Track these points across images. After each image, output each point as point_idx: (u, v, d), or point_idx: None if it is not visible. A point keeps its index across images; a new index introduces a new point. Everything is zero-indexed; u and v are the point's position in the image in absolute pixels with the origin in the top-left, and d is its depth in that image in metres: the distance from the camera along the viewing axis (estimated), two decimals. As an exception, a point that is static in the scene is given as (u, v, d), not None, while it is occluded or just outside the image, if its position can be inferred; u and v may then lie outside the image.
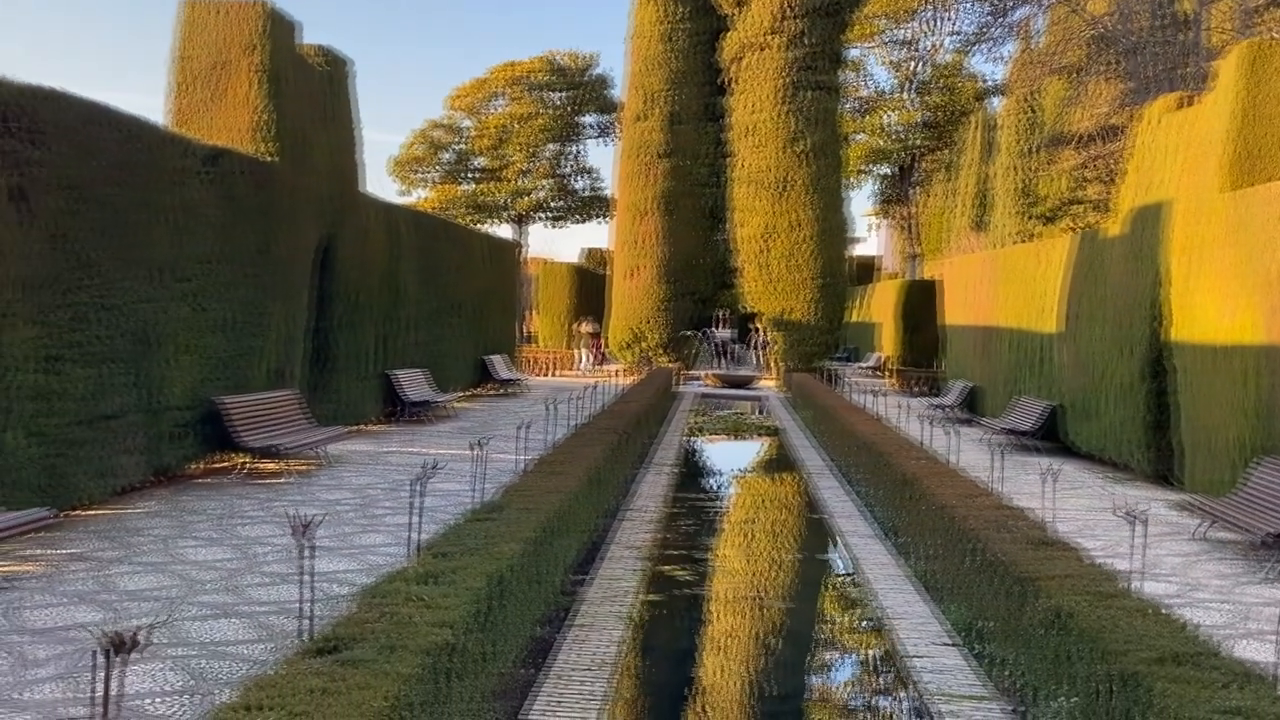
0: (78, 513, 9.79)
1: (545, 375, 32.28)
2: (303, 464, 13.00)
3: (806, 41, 30.25)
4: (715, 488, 15.42)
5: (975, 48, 45.30)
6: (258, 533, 9.46)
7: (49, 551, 8.38)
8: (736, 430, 20.97)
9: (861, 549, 10.09)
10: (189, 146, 11.35)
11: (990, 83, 43.94)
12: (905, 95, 43.87)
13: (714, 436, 20.71)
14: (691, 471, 15.93)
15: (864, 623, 8.11)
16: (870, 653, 7.55)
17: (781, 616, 8.56)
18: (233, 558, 8.54)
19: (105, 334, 9.90)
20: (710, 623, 8.25)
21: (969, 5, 47.03)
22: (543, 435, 16.52)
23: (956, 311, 25.88)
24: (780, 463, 16.94)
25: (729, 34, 31.57)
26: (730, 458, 18.27)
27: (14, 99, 8.60)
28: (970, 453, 14.91)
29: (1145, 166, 15.65)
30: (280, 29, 13.54)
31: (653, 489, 13.03)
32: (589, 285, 41.51)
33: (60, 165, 9.15)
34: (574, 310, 39.92)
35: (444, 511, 10.64)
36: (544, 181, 48.32)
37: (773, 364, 38.22)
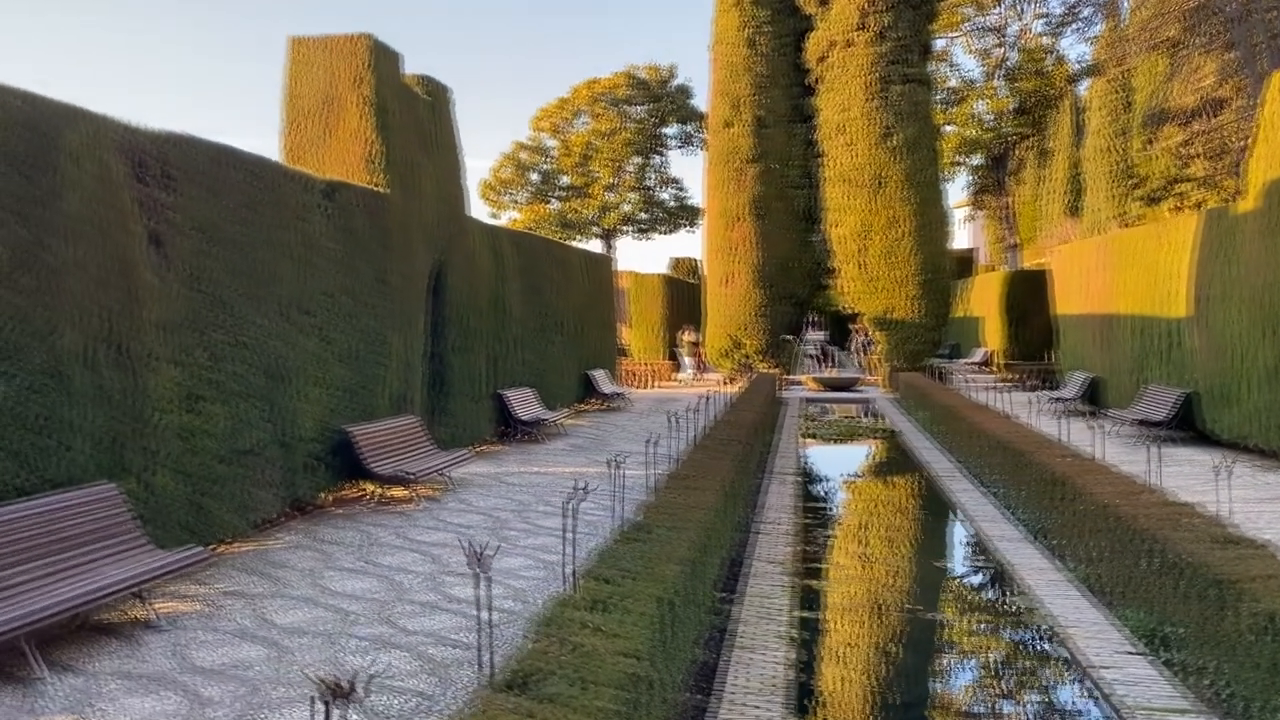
0: (222, 548, 9.94)
1: (644, 387, 32.19)
2: (429, 489, 13.07)
3: (893, 35, 29.69)
4: (843, 495, 15.07)
5: (1064, 29, 44.03)
6: (399, 561, 9.47)
7: (202, 589, 8.50)
8: (851, 435, 20.54)
9: (1012, 554, 9.67)
10: (309, 182, 11.52)
11: (1081, 64, 42.59)
12: (995, 83, 42.75)
13: (829, 442, 20.31)
14: (814, 479, 15.61)
15: (1036, 633, 7.72)
16: (1052, 665, 7.17)
17: (947, 629, 8.21)
18: (379, 588, 8.55)
19: (240, 371, 10.06)
20: (873, 640, 7.95)
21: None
22: (664, 449, 16.36)
23: (1070, 300, 25.01)
24: (904, 466, 16.49)
25: (813, 34, 31.19)
26: (850, 463, 17.89)
27: (147, 146, 8.79)
28: (1107, 447, 14.26)
29: (1278, 136, 14.84)
30: (385, 61, 13.70)
31: (780, 499, 12.75)
32: (680, 295, 41.36)
33: (191, 208, 9.33)
34: (667, 321, 39.79)
35: (577, 531, 10.55)
36: (630, 195, 48.41)
37: (876, 365, 37.55)
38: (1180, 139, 42.06)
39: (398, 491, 12.84)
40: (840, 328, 47.28)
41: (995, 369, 36.48)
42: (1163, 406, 17.41)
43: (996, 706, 6.63)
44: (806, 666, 6.96)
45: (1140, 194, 43.82)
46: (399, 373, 13.67)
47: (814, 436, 20.55)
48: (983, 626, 8.45)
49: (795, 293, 31.42)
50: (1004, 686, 7.01)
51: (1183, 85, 43.21)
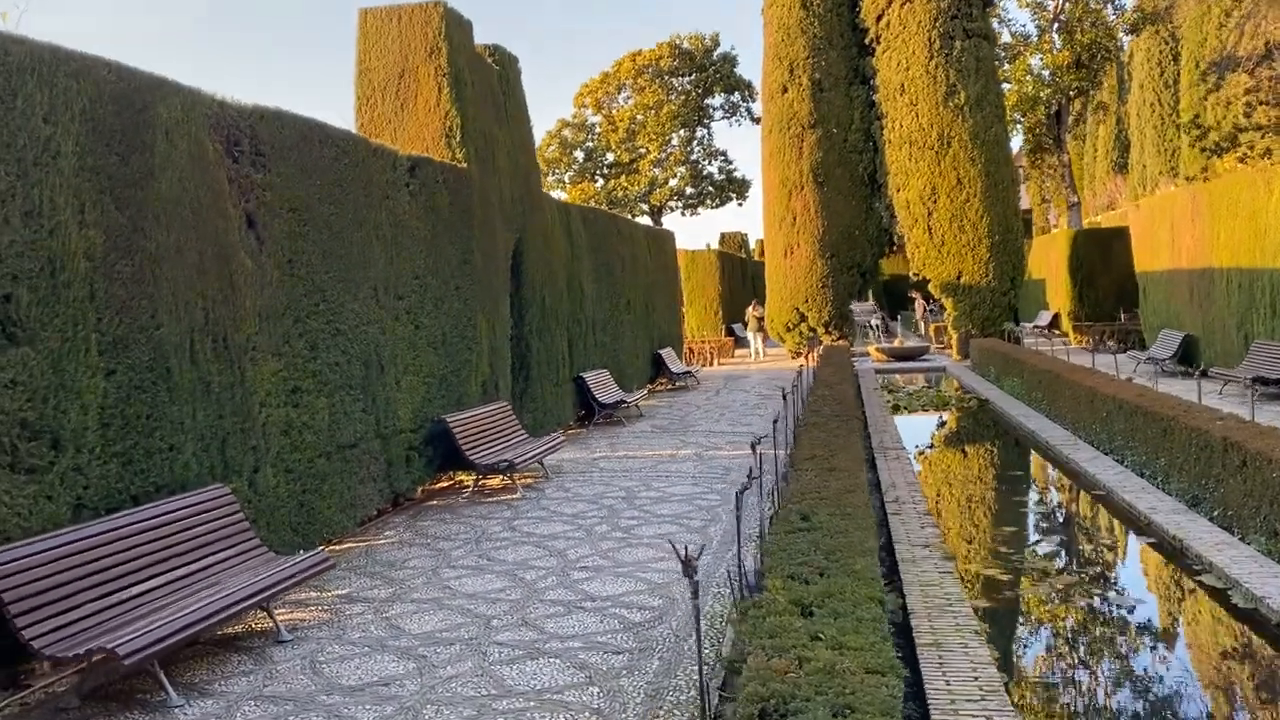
0: (330, 547, 9.39)
1: (707, 365, 31.46)
2: (526, 477, 12.46)
3: (954, -11, 28.53)
4: (959, 469, 14.30)
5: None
6: (519, 556, 8.85)
7: (318, 594, 7.94)
8: (940, 405, 19.72)
9: (1180, 528, 8.87)
10: (394, 159, 10.88)
11: (1140, 15, 41.05)
12: (1050, 37, 41.32)
13: (919, 412, 19.49)
14: (924, 453, 14.85)
15: (1244, 614, 6.95)
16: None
17: (1157, 619, 7.47)
18: (508, 586, 7.93)
19: (338, 360, 9.47)
20: (1077, 633, 7.21)
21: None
22: (756, 426, 15.62)
23: (1155, 256, 23.92)
24: (1010, 437, 15.68)
25: (869, -9, 30.09)
26: (951, 435, 17.09)
27: (238, 121, 8.17)
28: (1229, 407, 13.34)
29: None
30: (458, 30, 13.01)
31: (897, 476, 11.99)
32: (734, 271, 40.54)
33: (284, 187, 8.71)
34: (723, 298, 38.99)
35: (694, 518, 9.87)
36: (678, 169, 47.47)
37: (945, 332, 36.51)
38: (1247, 85, 40.50)
39: (493, 481, 12.25)
40: (890, 297, 46.13)
41: (1068, 331, 35.33)
42: (1274, 363, 16.41)
43: (1242, 709, 5.88)
44: (1011, 667, 6.25)
45: (1205, 145, 42.22)
46: (487, 357, 13.05)
47: (903, 408, 19.74)
48: (1185, 612, 7.67)
49: (859, 262, 30.50)
50: (1245, 685, 6.26)
51: (1250, 30, 41.55)
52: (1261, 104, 41.47)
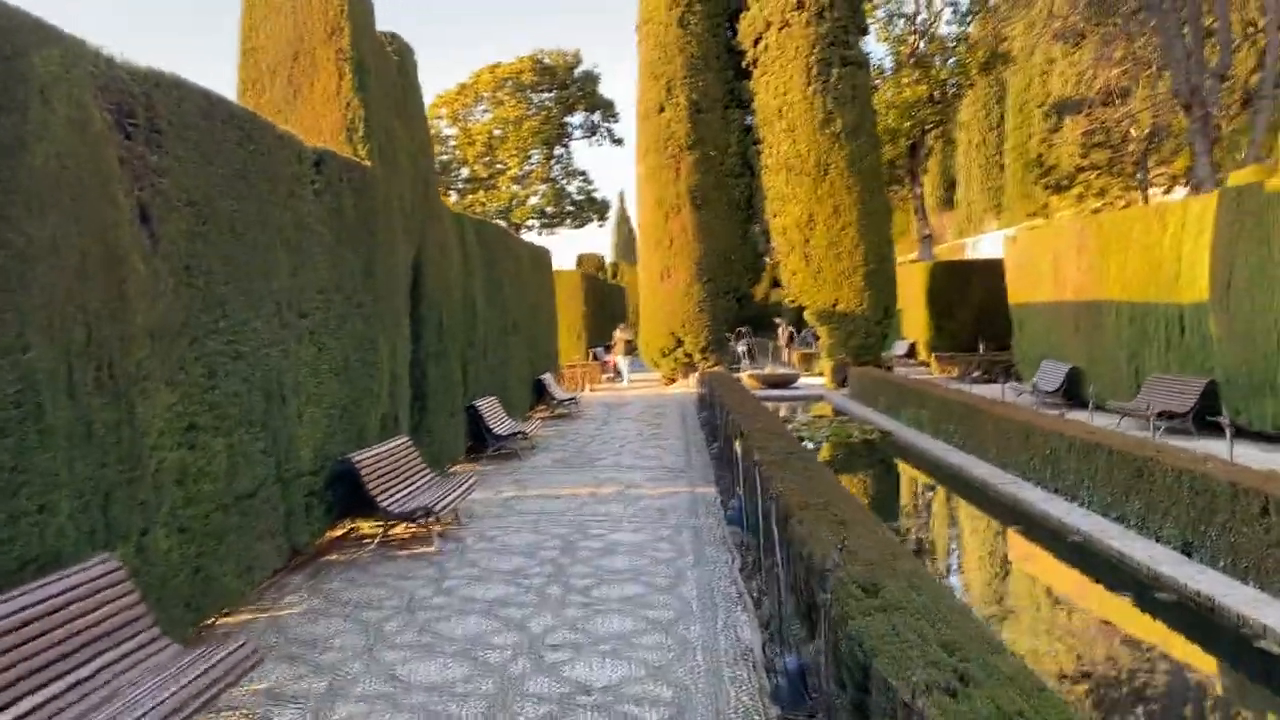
0: (223, 620, 7.60)
1: (578, 390, 30.15)
2: (437, 524, 10.85)
3: (831, 15, 28.40)
4: (926, 520, 13.51)
5: (973, 16, 43.93)
6: (469, 629, 7.33)
7: (235, 690, 6.21)
8: (843, 436, 19.04)
9: (1196, 580, 8.19)
10: (300, 150, 9.17)
11: (991, 53, 42.54)
12: (907, 71, 42.30)
13: (826, 444, 18.74)
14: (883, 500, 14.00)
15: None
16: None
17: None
18: (472, 675, 6.42)
19: (239, 390, 7.72)
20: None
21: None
22: (669, 460, 14.36)
23: (1033, 288, 24.21)
24: (934, 472, 15.03)
25: (747, 14, 29.68)
26: (882, 477, 16.34)
27: (131, 87, 6.41)
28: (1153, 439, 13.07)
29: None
30: (362, 9, 11.37)
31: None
32: (597, 293, 39.46)
33: (183, 174, 6.97)
34: (586, 321, 37.81)
35: (655, 574, 8.50)
36: (539, 187, 46.01)
37: (812, 359, 36.42)
38: (1083, 128, 42.56)
39: (399, 528, 10.60)
40: (758, 324, 46.10)
41: (930, 361, 35.87)
42: (1183, 397, 16.49)
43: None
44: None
45: (1047, 182, 44.06)
46: (387, 386, 11.38)
47: (805, 440, 18.97)
48: None
49: (736, 286, 29.89)
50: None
51: (1084, 75, 43.72)
52: (1096, 145, 43.70)
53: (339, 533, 10.78)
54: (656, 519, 11.14)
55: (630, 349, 35.02)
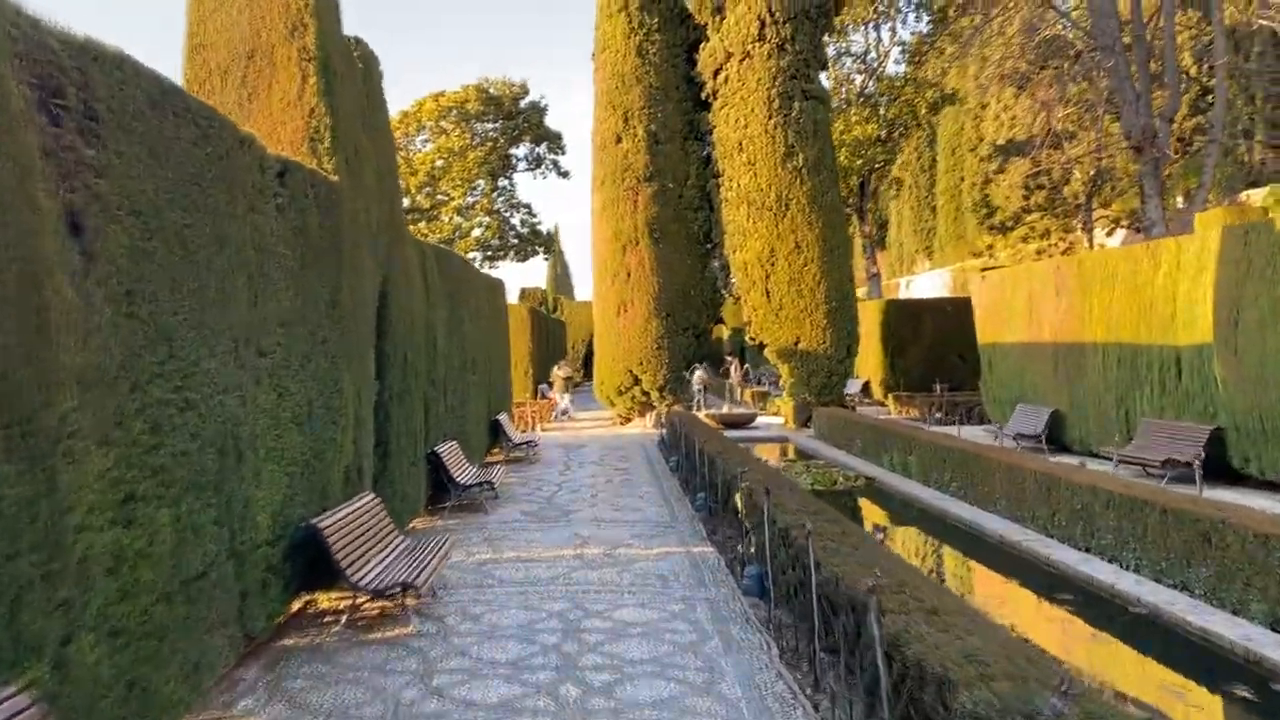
0: (163, 741, 6.03)
1: (529, 429, 28.63)
2: (410, 597, 9.33)
3: (793, 48, 27.69)
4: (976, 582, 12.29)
5: (921, 58, 43.90)
6: (480, 750, 5.88)
7: None
8: (827, 483, 17.85)
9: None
10: (263, 157, 7.71)
11: (940, 94, 42.47)
12: (857, 109, 41.96)
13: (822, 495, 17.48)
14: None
15: None
16: None
17: None
18: (499, 822, 4.98)
19: (187, 448, 6.21)
20: None
21: (913, 16, 45.79)
22: (651, 513, 12.86)
23: (1005, 328, 23.48)
24: (970, 538, 13.76)
25: (707, 45, 28.84)
26: (901, 536, 15.15)
27: (63, 60, 4.95)
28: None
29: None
30: (327, 4, 9.97)
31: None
32: (544, 329, 38.05)
33: (126, 176, 5.50)
34: (534, 357, 36.33)
35: (684, 665, 7.07)
36: (482, 218, 44.44)
37: (766, 398, 35.40)
38: (1026, 171, 42.65)
39: (368, 602, 9.07)
40: (709, 362, 45.05)
41: (876, 400, 35.13)
42: (1187, 444, 15.67)
43: None
44: None
45: (992, 224, 43.96)
46: (352, 433, 9.87)
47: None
48: None
49: (695, 323, 28.74)
50: None
51: (1029, 118, 43.95)
52: (1039, 188, 43.84)
53: (295, 605, 9.21)
54: (660, 589, 9.77)
55: (569, 385, 33.64)
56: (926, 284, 63.22)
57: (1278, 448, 14.19)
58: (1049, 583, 10.68)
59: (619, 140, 28.63)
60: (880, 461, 19.36)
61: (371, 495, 9.99)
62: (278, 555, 7.87)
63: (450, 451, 14.97)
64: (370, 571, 8.41)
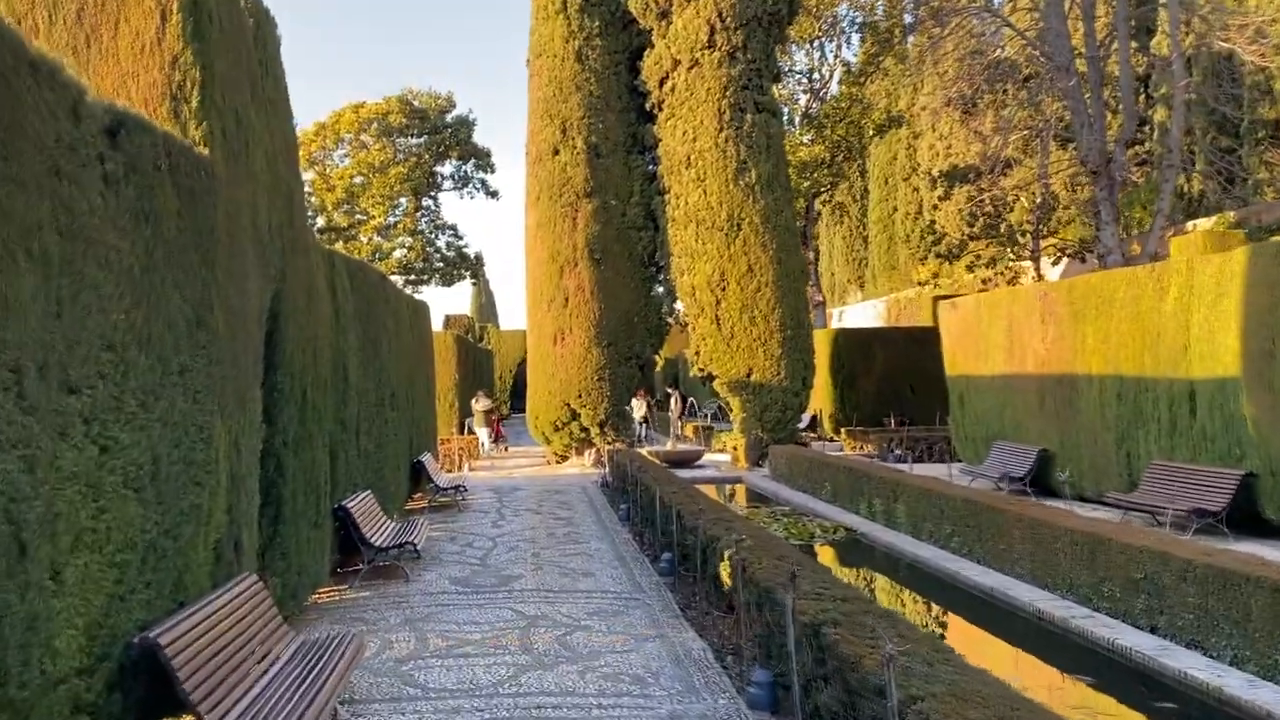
0: None
1: (454, 469, 25.97)
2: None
3: (745, 56, 25.78)
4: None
5: (865, 80, 42.56)
6: None
7: None
8: (806, 539, 15.60)
9: None
10: (77, 98, 5.20)
11: (887, 116, 41.16)
12: (803, 129, 40.39)
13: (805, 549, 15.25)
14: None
15: None
16: None
17: None
18: None
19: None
20: None
21: (859, 36, 44.49)
22: (607, 579, 10.28)
23: (980, 359, 21.67)
24: (998, 611, 11.44)
25: (652, 52, 26.77)
26: (914, 606, 12.92)
27: None
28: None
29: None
30: (200, -75, 7.49)
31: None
32: (472, 358, 35.45)
33: None
34: (459, 389, 33.68)
35: None
36: (405, 239, 41.58)
37: (711, 433, 33.20)
38: (971, 197, 41.51)
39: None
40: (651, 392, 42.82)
41: (827, 435, 33.23)
42: (1212, 491, 13.84)
43: None
44: None
45: (938, 251, 42.70)
46: (226, 496, 7.31)
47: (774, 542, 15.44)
48: None
49: (640, 352, 26.47)
50: None
51: (976, 144, 42.84)
52: (984, 215, 42.72)
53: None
54: (639, 700, 7.39)
55: (490, 420, 31.14)
56: (859, 315, 62.04)
57: (1323, 497, 12.39)
58: (1123, 676, 8.53)
59: (556, 153, 26.35)
60: (857, 509, 17.22)
61: (252, 579, 7.42)
62: (97, 688, 5.31)
63: (363, 505, 12.38)
64: (239, 706, 5.85)
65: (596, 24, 26.85)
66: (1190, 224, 37.58)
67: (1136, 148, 39.98)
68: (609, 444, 25.50)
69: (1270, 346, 13.29)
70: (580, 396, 25.83)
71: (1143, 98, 38.72)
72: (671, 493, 13.47)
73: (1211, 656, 8.35)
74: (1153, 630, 9.18)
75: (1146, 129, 40.98)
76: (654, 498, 13.96)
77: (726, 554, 9.44)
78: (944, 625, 11.30)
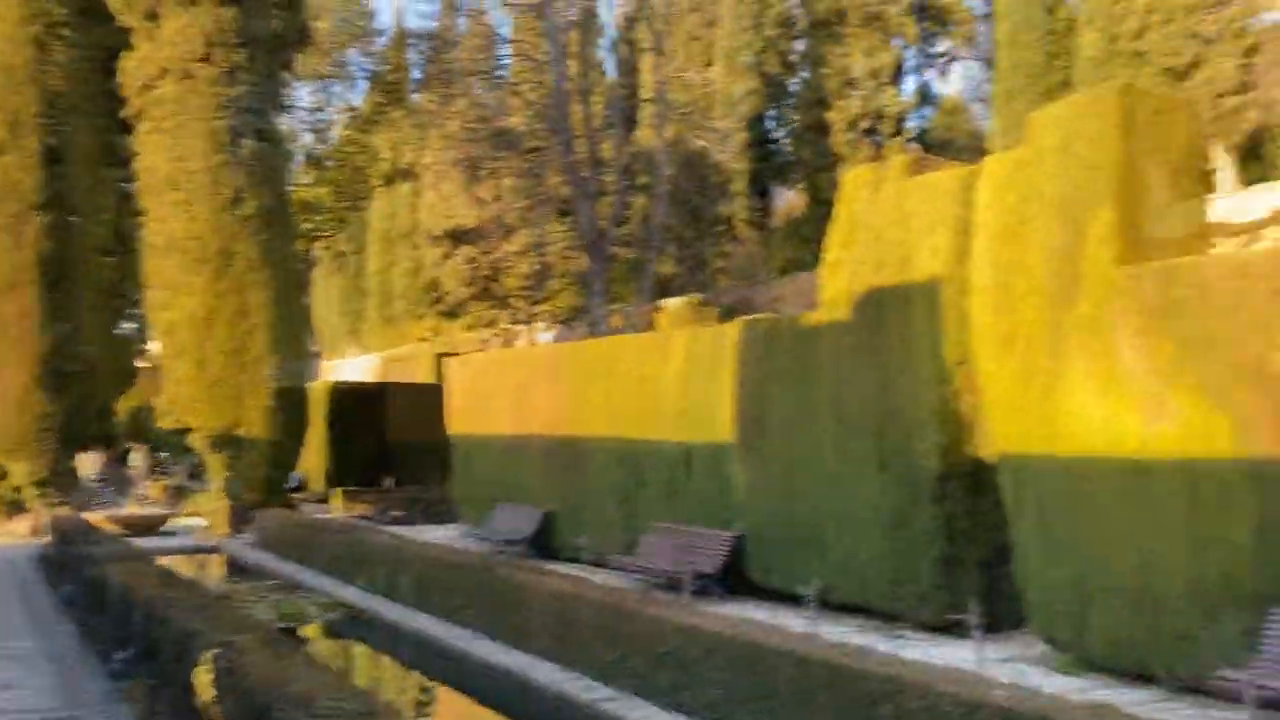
0: None
1: None
2: None
3: (247, 77, 23.40)
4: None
5: (371, 129, 41.42)
6: None
7: None
8: (298, 619, 13.51)
9: None
10: None
11: (394, 167, 40.36)
12: (303, 169, 38.12)
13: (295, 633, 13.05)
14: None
15: None
16: None
17: None
18: None
19: None
20: None
21: (366, 84, 43.20)
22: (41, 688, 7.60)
23: (485, 418, 21.17)
24: (529, 699, 10.22)
25: (135, 53, 23.28)
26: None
27: None
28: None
29: (872, 239, 12.95)
30: None
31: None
32: None
33: None
34: None
35: None
36: None
37: (181, 492, 29.16)
38: (470, 257, 42.06)
39: None
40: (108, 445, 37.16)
41: (322, 497, 30.95)
42: (704, 556, 14.29)
43: None
44: None
45: (441, 309, 42.50)
46: None
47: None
48: None
49: (100, 397, 22.40)
50: None
51: (476, 205, 43.49)
52: (483, 277, 43.57)
53: None
54: None
55: None
56: (355, 369, 60.19)
57: (814, 561, 13.11)
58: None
59: (3, 152, 21.73)
60: (355, 581, 15.58)
61: None
62: None
63: None
64: None
65: (65, 10, 22.81)
66: (661, 302, 40.93)
67: (621, 228, 43.10)
68: (52, 508, 21.11)
69: (759, 413, 14.13)
70: (13, 450, 21.17)
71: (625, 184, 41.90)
72: (131, 570, 10.92)
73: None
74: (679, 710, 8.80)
75: (629, 212, 44.34)
76: (104, 577, 11.26)
77: (205, 661, 7.47)
78: None
